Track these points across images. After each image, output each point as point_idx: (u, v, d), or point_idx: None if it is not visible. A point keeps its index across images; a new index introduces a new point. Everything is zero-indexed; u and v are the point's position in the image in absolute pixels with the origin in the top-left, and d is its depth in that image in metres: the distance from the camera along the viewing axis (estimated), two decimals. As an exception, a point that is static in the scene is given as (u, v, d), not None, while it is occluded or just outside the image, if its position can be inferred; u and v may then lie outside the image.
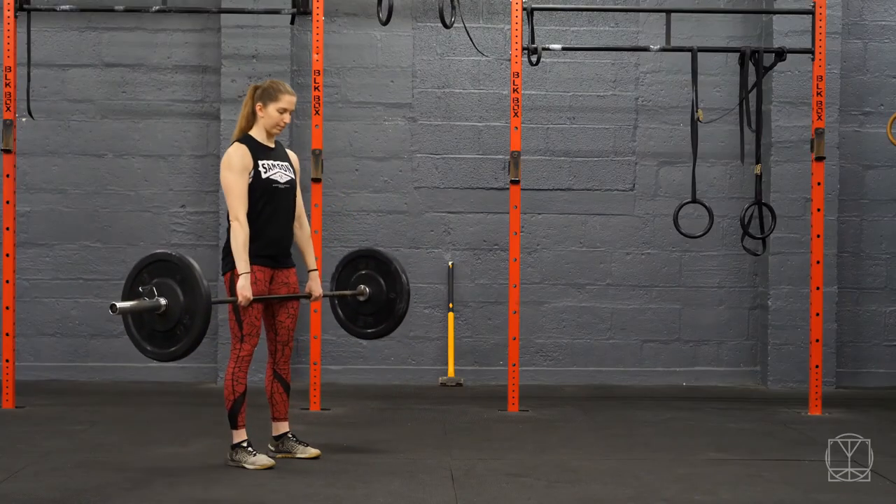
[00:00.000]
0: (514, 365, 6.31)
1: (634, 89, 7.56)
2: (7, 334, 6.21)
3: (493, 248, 7.50)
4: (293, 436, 4.90)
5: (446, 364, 7.38)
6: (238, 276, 4.54)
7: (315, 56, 6.29)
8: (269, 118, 4.71)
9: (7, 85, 6.23)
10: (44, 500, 4.07)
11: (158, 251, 4.43)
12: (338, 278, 5.30)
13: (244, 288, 4.52)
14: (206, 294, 4.19)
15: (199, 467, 4.62)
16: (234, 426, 4.65)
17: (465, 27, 6.81)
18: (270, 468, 4.60)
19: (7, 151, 6.19)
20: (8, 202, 6.23)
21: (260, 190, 4.66)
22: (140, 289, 4.26)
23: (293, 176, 4.83)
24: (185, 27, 7.43)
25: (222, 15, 7.18)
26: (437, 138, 7.53)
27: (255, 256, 4.64)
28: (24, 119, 6.90)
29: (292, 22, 7.01)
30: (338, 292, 5.25)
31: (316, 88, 6.30)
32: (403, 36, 7.52)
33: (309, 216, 5.84)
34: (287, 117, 4.74)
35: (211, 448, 5.01)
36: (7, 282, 6.24)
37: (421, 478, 4.50)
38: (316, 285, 4.99)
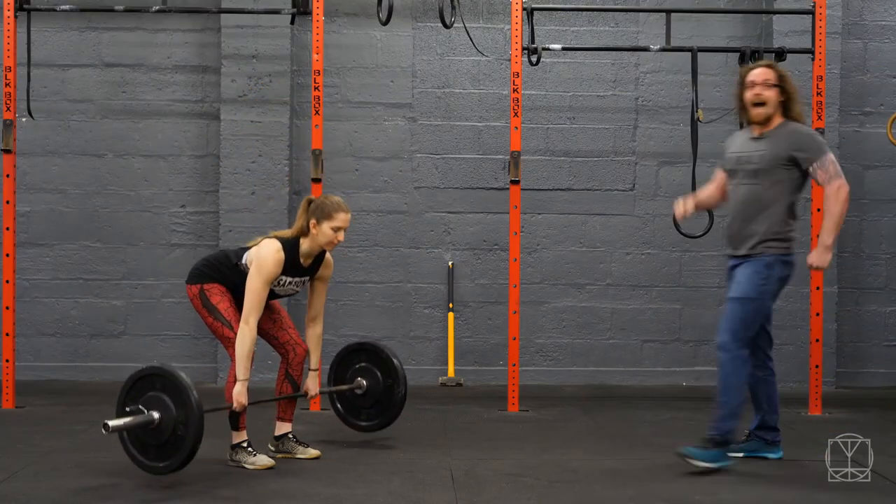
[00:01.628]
0: (514, 365, 6.31)
1: (634, 89, 7.56)
2: (7, 334, 6.21)
3: (493, 248, 7.50)
4: (294, 436, 4.90)
5: (446, 364, 7.38)
6: (236, 380, 4.52)
7: (315, 56, 6.29)
8: (324, 236, 4.65)
9: (7, 85, 6.23)
10: (44, 500, 4.07)
11: (147, 366, 4.37)
12: (333, 377, 5.35)
13: (240, 395, 4.51)
14: (198, 405, 4.18)
15: (200, 467, 4.61)
16: (235, 427, 4.65)
17: (465, 27, 6.81)
18: (270, 468, 4.60)
19: (7, 151, 6.19)
20: (8, 202, 6.23)
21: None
22: (127, 409, 4.28)
23: (301, 287, 4.82)
24: (185, 27, 7.43)
25: (222, 15, 7.18)
26: (437, 138, 7.53)
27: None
28: (24, 119, 6.90)
29: (292, 22, 7.01)
30: (335, 388, 5.29)
31: (316, 88, 6.30)
32: (403, 36, 7.52)
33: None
34: (341, 235, 4.68)
35: (211, 448, 5.00)
36: (7, 282, 6.24)
37: (421, 478, 4.50)
38: (314, 385, 4.99)
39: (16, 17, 6.32)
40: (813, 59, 6.31)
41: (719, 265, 7.56)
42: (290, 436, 4.89)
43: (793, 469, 4.74)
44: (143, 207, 7.45)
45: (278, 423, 4.89)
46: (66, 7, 6.64)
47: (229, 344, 4.61)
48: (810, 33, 6.38)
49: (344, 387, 5.28)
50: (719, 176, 5.00)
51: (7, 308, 6.21)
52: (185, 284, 4.76)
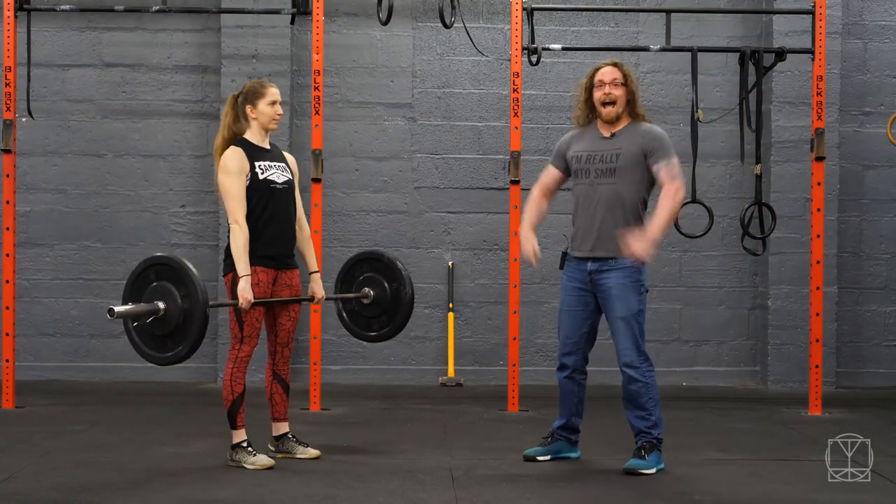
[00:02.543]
0: (514, 365, 6.31)
1: (634, 89, 7.55)
2: (7, 334, 6.21)
3: (493, 248, 7.50)
4: (293, 436, 4.90)
5: (446, 364, 7.38)
6: (239, 278, 4.54)
7: (315, 56, 6.29)
8: (264, 114, 4.69)
9: (7, 85, 6.23)
10: (44, 500, 4.07)
11: (157, 254, 4.42)
12: (339, 293, 5.29)
13: (245, 290, 4.51)
14: (204, 297, 4.19)
15: (199, 467, 4.61)
16: (234, 426, 4.65)
17: (465, 27, 6.81)
18: (270, 468, 4.60)
19: (7, 151, 6.19)
20: (8, 202, 6.23)
21: (258, 191, 4.64)
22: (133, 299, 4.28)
23: (291, 176, 4.82)
24: (185, 27, 7.43)
25: (222, 15, 7.18)
26: (437, 138, 7.53)
27: (256, 257, 4.63)
28: (24, 119, 6.90)
29: (292, 22, 7.01)
30: (341, 295, 5.23)
31: (316, 88, 6.30)
32: (403, 36, 7.52)
33: (309, 216, 5.83)
34: (279, 108, 4.72)
35: (211, 448, 5.01)
36: (7, 282, 6.24)
37: (421, 478, 4.50)
38: (318, 287, 4.97)
39: (16, 17, 6.32)
40: (813, 59, 6.30)
41: (719, 265, 7.56)
42: (290, 435, 4.89)
43: (793, 469, 4.74)
44: (143, 207, 7.45)
45: (275, 424, 4.89)
46: (66, 7, 6.64)
47: (233, 339, 4.64)
48: (810, 33, 6.37)
49: (350, 294, 5.20)
50: (546, 180, 4.95)
51: (7, 308, 6.21)
52: (223, 276, 4.73)
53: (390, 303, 5.15)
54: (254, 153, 4.69)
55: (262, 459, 4.63)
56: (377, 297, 5.17)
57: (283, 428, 4.89)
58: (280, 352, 4.86)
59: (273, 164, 4.74)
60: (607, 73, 4.73)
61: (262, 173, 4.67)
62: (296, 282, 4.84)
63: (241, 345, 4.63)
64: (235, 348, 4.63)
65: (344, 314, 5.29)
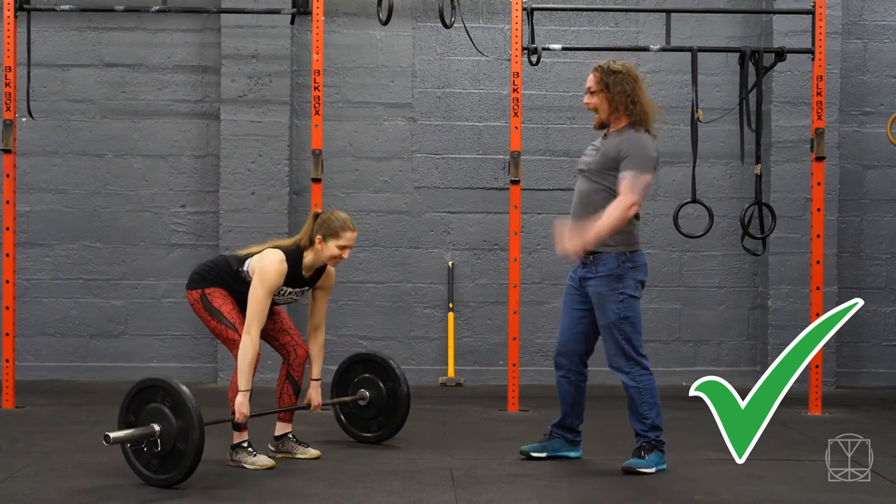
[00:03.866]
0: (514, 365, 6.31)
1: (634, 89, 7.55)
2: (7, 334, 6.21)
3: (493, 248, 7.50)
4: (294, 436, 4.90)
5: (446, 364, 7.38)
6: (239, 391, 4.52)
7: (315, 56, 6.29)
8: (329, 252, 4.66)
9: (7, 85, 6.23)
10: (44, 500, 4.07)
11: (147, 378, 4.38)
12: (336, 393, 5.34)
13: (242, 405, 4.51)
14: (199, 416, 4.19)
15: (200, 467, 4.61)
16: (236, 427, 4.65)
17: (465, 27, 6.81)
18: (270, 468, 4.60)
19: (7, 151, 6.19)
20: (8, 202, 6.23)
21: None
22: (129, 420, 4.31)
23: (300, 297, 4.83)
24: (185, 27, 7.43)
25: (222, 15, 7.18)
26: (437, 138, 7.53)
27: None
28: (24, 119, 6.90)
29: (292, 22, 7.01)
30: (338, 399, 5.28)
31: (316, 88, 6.30)
32: (403, 36, 7.52)
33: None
34: (346, 253, 4.70)
35: (211, 448, 5.00)
36: (7, 282, 6.24)
37: (421, 478, 4.50)
38: (316, 395, 4.98)
39: (16, 17, 6.32)
40: (813, 59, 6.30)
41: (719, 265, 7.56)
42: (290, 436, 4.89)
43: (793, 469, 4.74)
44: (143, 207, 7.45)
45: (278, 424, 4.90)
46: (66, 7, 6.65)
47: (233, 346, 4.62)
48: (810, 33, 6.37)
49: (347, 398, 5.26)
50: None
51: (7, 308, 6.21)
52: (186, 290, 4.76)
53: (386, 403, 5.21)
54: (292, 279, 4.67)
55: (263, 460, 4.63)
56: (373, 398, 5.22)
57: (285, 428, 4.89)
58: (294, 352, 4.87)
59: (298, 289, 4.76)
60: (588, 81, 4.70)
61: (278, 294, 4.69)
62: (276, 308, 4.86)
63: (238, 335, 4.62)
64: (236, 349, 4.63)
65: (342, 417, 5.33)
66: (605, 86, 4.63)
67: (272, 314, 4.85)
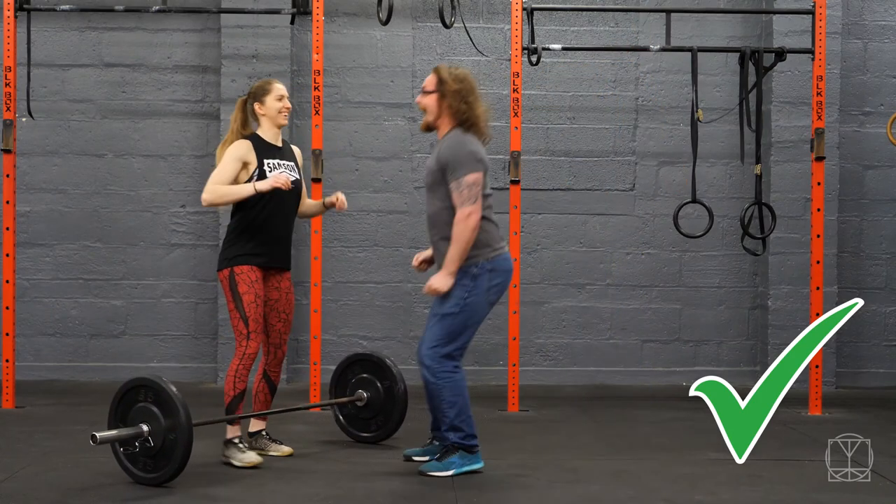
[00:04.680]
0: (514, 365, 6.31)
1: (634, 89, 7.56)
2: (7, 334, 6.21)
3: (493, 248, 7.49)
4: (267, 433, 4.94)
5: (446, 364, 7.36)
6: (254, 187, 4.61)
7: (315, 56, 6.29)
8: (272, 109, 4.78)
9: (7, 85, 6.23)
10: (44, 500, 4.07)
11: (135, 377, 4.39)
12: (334, 394, 5.36)
13: (273, 179, 4.59)
14: (187, 416, 4.20)
15: (200, 467, 4.61)
16: (230, 422, 4.66)
17: (465, 27, 6.81)
18: (257, 466, 4.61)
19: (7, 151, 6.19)
20: (8, 202, 6.23)
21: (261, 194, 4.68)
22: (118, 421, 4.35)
23: (299, 177, 4.85)
24: (185, 27, 7.43)
25: (222, 15, 7.18)
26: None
27: (248, 255, 4.67)
28: (24, 119, 6.90)
29: (292, 22, 7.01)
30: (336, 400, 5.30)
31: (316, 88, 6.30)
32: (403, 36, 7.51)
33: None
34: (287, 103, 4.83)
35: (211, 448, 5.00)
36: (7, 282, 6.24)
37: (421, 478, 4.50)
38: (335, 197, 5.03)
39: (16, 17, 6.32)
40: (813, 59, 6.30)
41: (719, 265, 7.56)
42: (264, 433, 4.93)
43: (793, 469, 4.74)
44: (143, 207, 7.45)
45: (253, 421, 4.94)
46: (66, 7, 6.64)
47: (239, 336, 4.65)
48: (810, 33, 6.38)
49: (345, 399, 5.28)
50: None
51: (7, 308, 6.21)
52: (217, 272, 4.77)
53: (384, 402, 5.23)
54: (264, 150, 4.74)
55: (251, 457, 4.65)
56: (371, 398, 5.24)
57: (259, 425, 4.95)
58: (273, 353, 4.89)
59: (283, 162, 4.80)
60: (426, 81, 4.63)
61: (270, 171, 4.70)
62: (284, 284, 4.88)
63: (248, 341, 4.65)
64: (242, 345, 4.65)
65: (341, 418, 5.35)
66: (440, 88, 4.55)
67: (282, 312, 4.87)
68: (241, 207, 4.74)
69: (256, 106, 4.79)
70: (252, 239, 4.69)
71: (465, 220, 4.44)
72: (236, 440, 4.67)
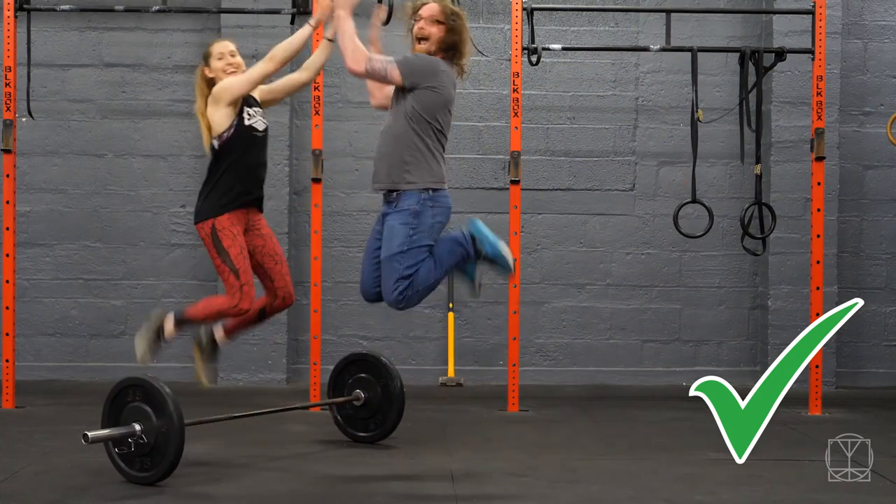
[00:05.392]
0: (514, 365, 6.31)
1: (634, 89, 7.56)
2: (7, 334, 6.21)
3: (493, 248, 7.48)
4: (214, 350, 4.98)
5: (446, 364, 7.38)
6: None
7: (315, 56, 6.27)
8: (216, 69, 4.95)
9: (7, 85, 6.23)
10: (44, 500, 4.07)
11: (126, 377, 4.39)
12: (331, 395, 5.36)
13: (319, 11, 4.92)
14: (179, 415, 4.21)
15: (200, 467, 4.61)
16: (208, 322, 4.80)
17: (465, 27, 6.79)
18: (143, 361, 4.83)
19: (7, 151, 6.19)
20: (8, 202, 6.22)
21: (240, 138, 4.83)
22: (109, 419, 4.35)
23: (267, 123, 5.01)
24: (185, 27, 7.43)
25: (222, 15, 7.18)
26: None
27: (229, 201, 4.77)
28: (24, 119, 6.90)
29: (292, 22, 7.00)
30: (333, 400, 5.30)
31: (316, 88, 6.30)
32: (403, 36, 7.48)
33: (309, 216, 5.85)
34: (230, 58, 4.97)
35: (211, 448, 5.01)
36: (7, 282, 6.24)
37: (421, 478, 4.50)
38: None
39: (16, 17, 6.31)
40: (813, 59, 6.30)
41: (719, 265, 7.56)
42: (215, 346, 4.97)
43: (793, 469, 4.74)
44: (143, 207, 7.45)
45: (217, 330, 4.94)
46: (66, 7, 6.64)
47: (231, 289, 4.67)
48: (810, 33, 6.37)
49: (342, 399, 5.28)
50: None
51: (7, 308, 6.21)
52: (195, 225, 4.80)
53: (382, 401, 5.23)
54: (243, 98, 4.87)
55: (145, 353, 4.83)
56: (368, 398, 5.24)
57: (223, 342, 4.95)
58: (281, 298, 4.93)
59: (257, 109, 4.96)
60: (426, 9, 4.69)
61: (248, 119, 4.87)
62: (266, 230, 4.95)
63: (242, 294, 4.67)
64: (236, 297, 4.69)
65: (339, 418, 5.34)
66: (453, 21, 4.70)
67: (275, 255, 4.93)
68: (218, 154, 4.85)
69: (206, 71, 4.96)
70: (229, 190, 4.78)
71: (354, 53, 4.55)
72: (164, 332, 4.80)
